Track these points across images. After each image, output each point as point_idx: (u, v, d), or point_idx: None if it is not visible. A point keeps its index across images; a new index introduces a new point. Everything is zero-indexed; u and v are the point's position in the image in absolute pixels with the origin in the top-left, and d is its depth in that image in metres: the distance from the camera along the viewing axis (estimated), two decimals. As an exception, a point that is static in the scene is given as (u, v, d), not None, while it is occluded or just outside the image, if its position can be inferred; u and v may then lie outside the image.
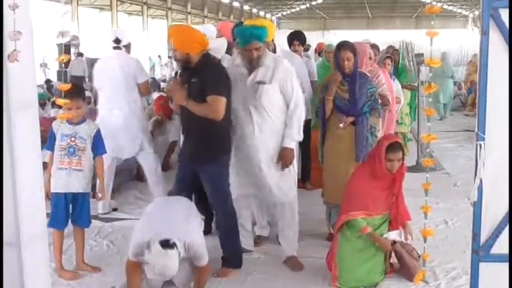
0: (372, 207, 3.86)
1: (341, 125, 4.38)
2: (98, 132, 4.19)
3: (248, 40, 3.91)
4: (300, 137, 4.13)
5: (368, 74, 4.71)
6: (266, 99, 3.98)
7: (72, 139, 4.03)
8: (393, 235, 3.90)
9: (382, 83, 5.24)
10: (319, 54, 10.34)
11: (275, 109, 4.02)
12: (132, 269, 3.57)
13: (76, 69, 17.15)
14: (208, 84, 3.93)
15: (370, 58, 5.15)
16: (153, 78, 13.80)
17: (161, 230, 3.42)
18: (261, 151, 4.04)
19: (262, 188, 4.16)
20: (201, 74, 3.97)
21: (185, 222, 3.60)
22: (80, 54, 17.95)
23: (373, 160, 3.88)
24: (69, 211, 4.11)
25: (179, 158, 4.44)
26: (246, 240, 4.35)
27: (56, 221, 4.02)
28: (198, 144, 4.04)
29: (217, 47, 4.65)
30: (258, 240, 4.64)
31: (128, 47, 5.64)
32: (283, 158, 4.06)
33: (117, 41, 5.56)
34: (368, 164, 3.98)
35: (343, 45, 4.43)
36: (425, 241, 2.94)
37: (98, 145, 4.17)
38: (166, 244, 3.29)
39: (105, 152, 4.32)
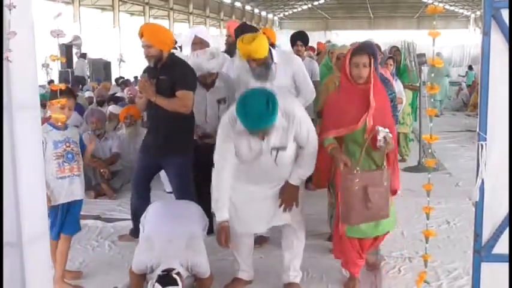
0: (345, 122, 3.56)
1: None
2: (81, 136, 4.18)
3: (254, 132, 3.36)
4: (307, 175, 3.70)
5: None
6: (285, 160, 3.52)
7: (67, 144, 3.86)
8: (383, 132, 3.46)
9: (384, 84, 5.22)
10: (318, 54, 10.33)
11: (292, 157, 3.58)
12: (135, 276, 3.63)
13: (78, 69, 17.18)
14: (177, 80, 4.20)
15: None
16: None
17: (163, 257, 3.45)
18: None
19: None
20: (169, 71, 4.22)
21: (188, 240, 3.58)
22: (83, 55, 17.92)
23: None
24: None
25: (142, 150, 4.61)
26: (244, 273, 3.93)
27: (56, 233, 3.89)
28: (167, 139, 4.31)
29: (215, 67, 4.59)
30: (259, 240, 4.63)
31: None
32: (287, 195, 3.62)
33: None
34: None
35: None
36: (427, 242, 2.95)
37: (82, 148, 4.07)
38: (167, 280, 3.30)
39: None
